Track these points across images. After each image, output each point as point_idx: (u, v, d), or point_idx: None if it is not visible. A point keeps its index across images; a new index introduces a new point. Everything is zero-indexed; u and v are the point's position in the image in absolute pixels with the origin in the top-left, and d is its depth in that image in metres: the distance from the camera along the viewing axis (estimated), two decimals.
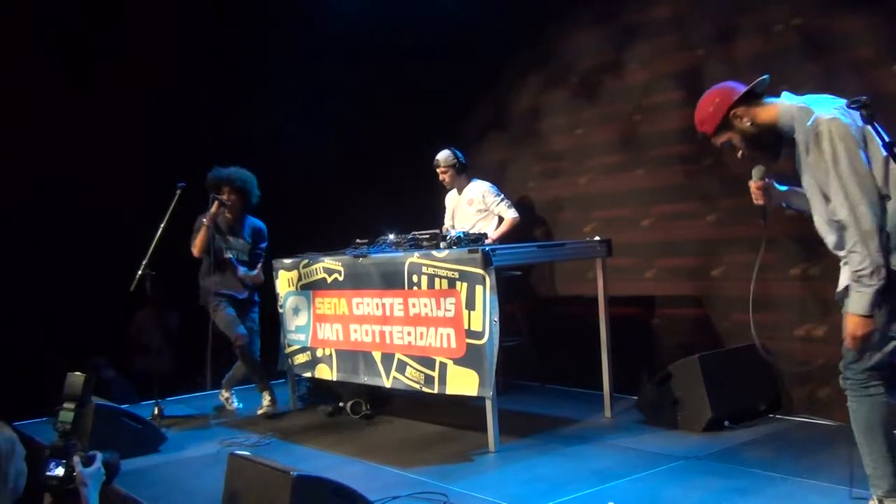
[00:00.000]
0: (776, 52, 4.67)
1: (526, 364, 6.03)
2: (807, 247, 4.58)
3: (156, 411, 5.37)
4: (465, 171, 5.89)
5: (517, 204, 6.12)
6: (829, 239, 2.90)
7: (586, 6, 5.86)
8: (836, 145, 2.70)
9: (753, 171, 3.07)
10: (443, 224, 6.09)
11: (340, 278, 5.21)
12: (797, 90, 4.53)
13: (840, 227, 2.76)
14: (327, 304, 5.35)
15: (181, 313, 6.35)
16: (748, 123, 2.91)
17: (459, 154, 5.86)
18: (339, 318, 5.26)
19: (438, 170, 5.87)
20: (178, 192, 5.33)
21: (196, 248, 5.49)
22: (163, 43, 6.30)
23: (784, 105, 2.90)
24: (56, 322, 5.83)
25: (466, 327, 4.37)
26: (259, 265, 5.74)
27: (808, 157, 2.80)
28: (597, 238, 5.03)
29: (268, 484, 3.08)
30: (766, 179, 3.07)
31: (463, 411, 5.14)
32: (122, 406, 5.12)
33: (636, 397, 4.95)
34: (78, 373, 2.65)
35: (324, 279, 5.35)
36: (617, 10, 5.64)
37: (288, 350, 5.72)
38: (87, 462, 2.46)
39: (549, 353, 6.05)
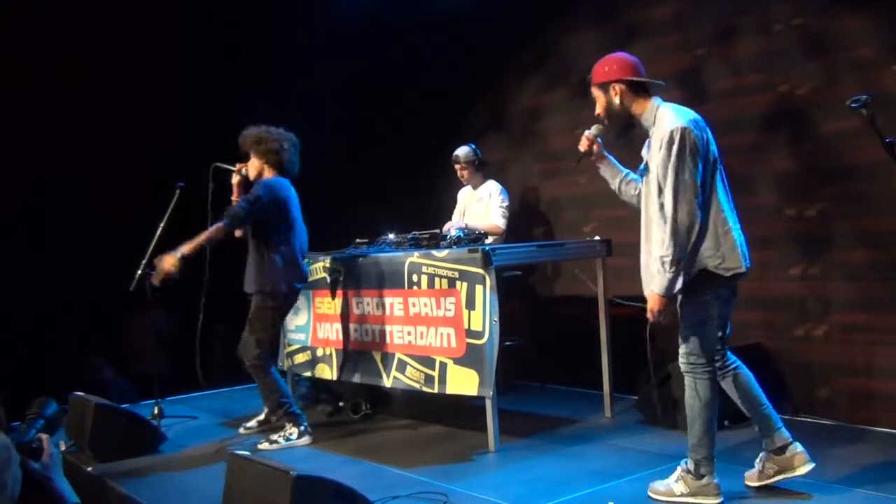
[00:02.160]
0: (776, 52, 4.67)
1: (526, 364, 6.03)
2: (806, 247, 4.59)
3: (156, 411, 5.36)
4: (482, 169, 5.88)
5: (517, 204, 6.12)
6: (652, 227, 3.35)
7: (586, 6, 5.86)
8: (684, 151, 3.16)
9: (593, 126, 3.55)
10: (450, 220, 6.04)
11: (341, 278, 5.22)
12: (797, 90, 4.59)
13: (662, 217, 3.22)
14: (327, 303, 5.35)
15: (181, 313, 6.35)
16: (617, 100, 3.39)
17: (479, 151, 5.85)
18: (339, 318, 5.26)
19: (457, 165, 5.83)
20: (178, 191, 5.32)
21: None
22: (162, 42, 6.30)
23: (652, 105, 3.36)
24: (55, 322, 5.83)
25: (466, 327, 4.37)
26: (222, 220, 4.56)
27: (658, 152, 3.23)
28: (597, 238, 5.04)
29: (268, 484, 3.08)
30: (599, 139, 3.56)
31: (463, 411, 5.14)
32: (122, 406, 5.12)
33: (636, 397, 4.95)
34: None
35: (324, 278, 5.36)
36: (617, 10, 5.64)
37: (288, 349, 5.72)
38: (36, 453, 2.38)
39: (549, 353, 6.05)
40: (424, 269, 4.59)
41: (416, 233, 4.98)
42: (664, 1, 5.33)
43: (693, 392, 3.37)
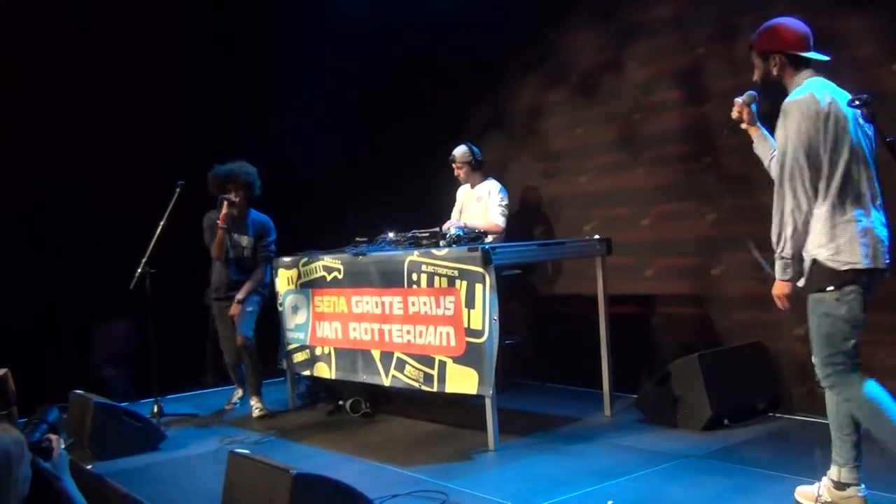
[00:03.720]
0: None
1: (525, 362, 6.04)
2: None
3: (155, 409, 5.37)
4: (480, 168, 5.87)
5: (518, 203, 6.11)
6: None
7: (586, 6, 5.86)
8: (789, 127, 3.03)
9: (745, 94, 3.38)
10: (449, 218, 6.05)
11: (340, 276, 5.21)
12: None
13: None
14: (326, 302, 5.35)
15: (181, 311, 6.36)
16: (775, 70, 3.21)
17: (476, 150, 5.85)
18: (338, 317, 5.26)
19: (454, 165, 5.83)
20: (178, 190, 5.34)
21: (215, 253, 5.49)
22: (163, 42, 6.30)
23: (799, 78, 3.17)
24: (55, 322, 5.83)
25: (466, 326, 4.37)
26: (263, 267, 5.61)
27: (778, 124, 3.12)
28: (596, 237, 5.04)
29: (268, 482, 3.08)
30: (753, 107, 3.37)
31: (462, 410, 5.14)
32: (122, 404, 5.12)
33: (636, 396, 4.95)
34: None
35: (323, 277, 5.35)
36: (617, 9, 5.64)
37: (287, 348, 5.72)
38: (46, 453, 2.38)
39: (548, 351, 6.05)
40: (424, 267, 4.59)
41: (416, 231, 4.98)
42: (664, 1, 5.33)
43: (829, 399, 3.17)
